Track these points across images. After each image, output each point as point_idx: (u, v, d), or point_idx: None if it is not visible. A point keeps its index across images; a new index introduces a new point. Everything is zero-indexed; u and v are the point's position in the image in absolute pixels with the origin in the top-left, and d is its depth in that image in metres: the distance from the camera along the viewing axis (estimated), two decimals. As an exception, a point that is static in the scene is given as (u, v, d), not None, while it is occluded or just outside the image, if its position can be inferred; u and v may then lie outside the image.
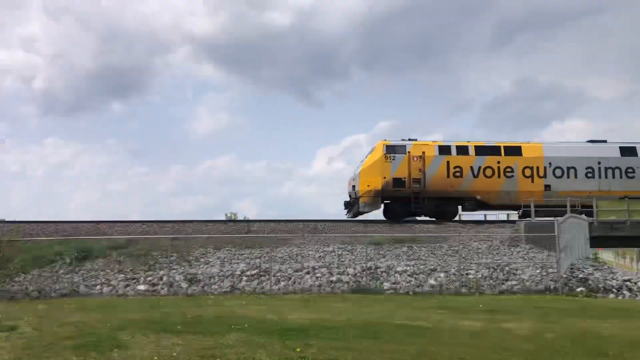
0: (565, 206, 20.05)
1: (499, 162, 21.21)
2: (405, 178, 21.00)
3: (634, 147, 21.54)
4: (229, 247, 16.10)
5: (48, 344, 7.25)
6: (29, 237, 16.07)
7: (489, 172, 21.13)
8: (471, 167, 21.13)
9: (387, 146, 21.58)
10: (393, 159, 21.22)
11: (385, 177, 21.01)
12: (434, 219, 21.13)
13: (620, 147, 21.56)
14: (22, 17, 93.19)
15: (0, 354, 6.79)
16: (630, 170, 21.12)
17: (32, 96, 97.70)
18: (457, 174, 21.12)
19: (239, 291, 13.81)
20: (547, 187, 21.03)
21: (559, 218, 15.95)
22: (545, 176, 21.10)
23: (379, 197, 21.05)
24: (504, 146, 21.63)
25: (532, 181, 21.07)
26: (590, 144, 21.91)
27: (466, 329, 8.60)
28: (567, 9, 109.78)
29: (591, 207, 18.83)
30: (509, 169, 21.12)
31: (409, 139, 22.02)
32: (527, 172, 21.12)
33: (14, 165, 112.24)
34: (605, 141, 22.11)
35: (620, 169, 21.18)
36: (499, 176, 21.08)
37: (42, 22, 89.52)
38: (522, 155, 21.34)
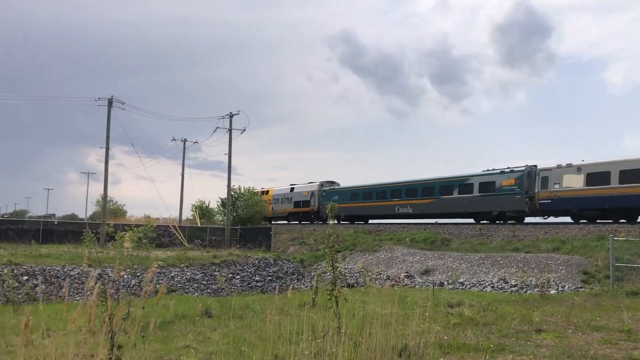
0: (281, 217, 44.18)
1: (268, 199, 46.38)
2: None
3: (294, 186, 41.45)
4: None
5: None
6: None
7: (269, 203, 46.68)
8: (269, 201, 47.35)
9: (262, 192, 50.66)
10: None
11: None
12: None
13: (290, 187, 41.93)
14: None
15: None
16: (289, 199, 41.57)
17: None
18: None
19: None
20: (273, 209, 44.47)
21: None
22: (273, 204, 44.58)
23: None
24: (266, 190, 46.13)
25: (271, 206, 45.00)
26: (290, 186, 42.96)
27: None
28: None
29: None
30: (269, 202, 45.86)
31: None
32: (270, 202, 45.23)
33: None
34: (297, 184, 42.38)
35: (289, 198, 41.93)
36: (269, 205, 46.24)
37: None
38: (269, 194, 45.56)
